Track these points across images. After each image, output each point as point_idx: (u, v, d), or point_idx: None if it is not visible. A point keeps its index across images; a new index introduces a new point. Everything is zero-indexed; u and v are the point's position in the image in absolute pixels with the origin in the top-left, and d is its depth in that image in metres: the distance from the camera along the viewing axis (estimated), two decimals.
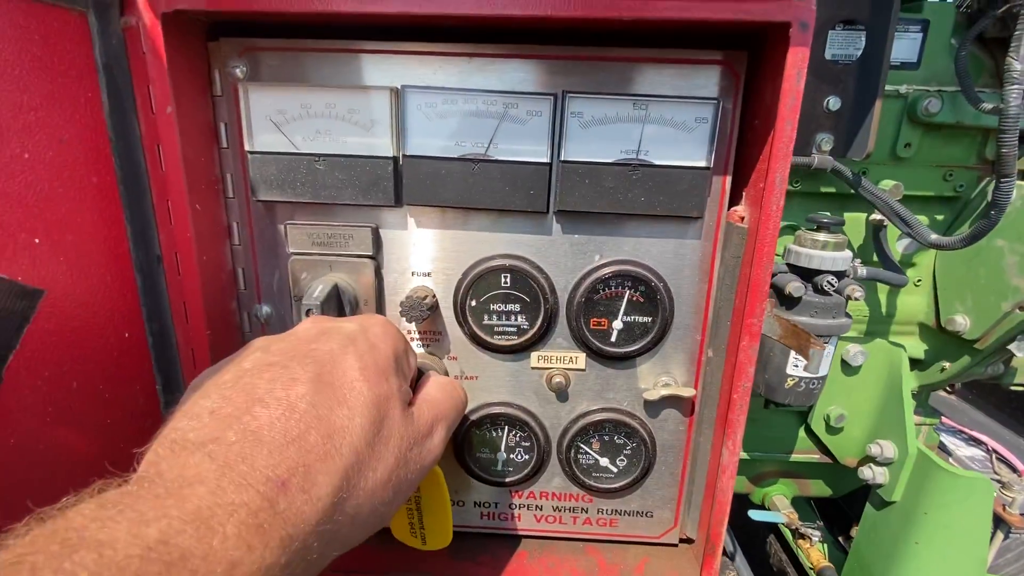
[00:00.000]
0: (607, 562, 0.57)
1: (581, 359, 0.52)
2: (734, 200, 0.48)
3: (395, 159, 0.47)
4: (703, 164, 0.45)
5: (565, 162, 0.46)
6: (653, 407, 0.53)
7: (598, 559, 0.57)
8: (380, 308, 0.52)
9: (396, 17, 0.40)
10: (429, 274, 0.51)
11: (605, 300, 0.50)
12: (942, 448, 1.41)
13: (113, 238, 0.46)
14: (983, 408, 2.52)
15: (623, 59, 0.45)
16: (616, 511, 0.57)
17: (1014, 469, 1.34)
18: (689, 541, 0.57)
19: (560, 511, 0.57)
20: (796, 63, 0.39)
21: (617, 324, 0.51)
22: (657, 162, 0.46)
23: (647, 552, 0.57)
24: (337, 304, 0.50)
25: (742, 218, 0.47)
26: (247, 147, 0.47)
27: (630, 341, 0.51)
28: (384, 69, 0.45)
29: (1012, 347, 0.95)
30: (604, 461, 0.55)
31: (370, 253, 0.50)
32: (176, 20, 0.41)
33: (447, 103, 0.45)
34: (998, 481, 1.29)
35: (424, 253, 0.51)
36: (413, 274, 0.52)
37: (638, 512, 0.57)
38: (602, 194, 0.46)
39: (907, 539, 1.04)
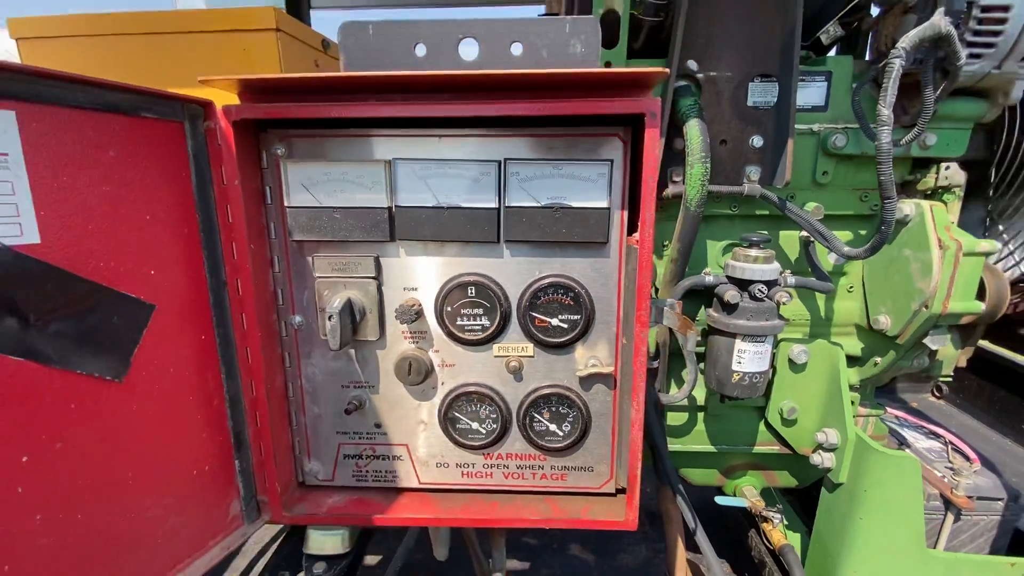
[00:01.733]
0: (559, 507, 0.74)
1: (530, 348, 0.72)
2: (632, 229, 0.68)
3: (389, 208, 0.68)
4: (605, 205, 0.65)
5: (508, 207, 0.67)
6: (586, 382, 0.72)
7: (552, 506, 0.75)
8: (381, 315, 0.72)
9: (389, 117, 0.61)
10: (416, 288, 0.72)
11: (545, 304, 0.70)
12: (903, 442, 1.55)
13: (195, 268, 0.67)
14: (970, 411, 2.65)
15: (548, 135, 0.66)
16: (565, 467, 0.75)
17: (967, 458, 1.47)
18: (624, 491, 0.75)
19: (522, 469, 0.76)
20: (652, 136, 0.59)
21: (555, 321, 0.70)
22: (573, 204, 0.66)
23: (589, 500, 0.75)
24: (350, 312, 0.70)
25: (638, 241, 0.67)
26: (286, 203, 0.68)
27: (565, 333, 0.70)
28: (380, 148, 0.67)
29: (927, 341, 1.12)
30: (553, 427, 0.73)
31: (373, 275, 0.71)
32: (240, 123, 0.63)
33: (424, 169, 0.66)
34: (951, 468, 1.43)
35: (412, 273, 0.71)
36: (404, 289, 0.72)
37: (582, 467, 0.75)
38: (536, 228, 0.67)
39: (853, 516, 1.19)
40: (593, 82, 0.58)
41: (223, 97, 0.65)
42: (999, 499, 1.33)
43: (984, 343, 1.69)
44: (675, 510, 1.25)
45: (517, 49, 0.78)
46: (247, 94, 0.63)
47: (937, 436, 1.59)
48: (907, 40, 0.89)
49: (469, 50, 0.82)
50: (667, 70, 0.59)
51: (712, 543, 1.79)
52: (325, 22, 1.97)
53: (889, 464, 1.14)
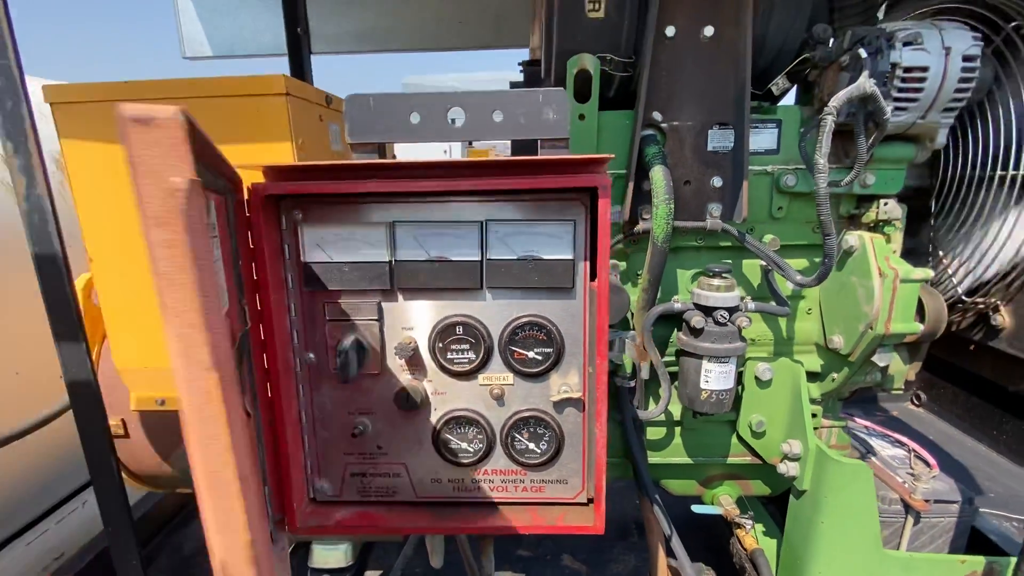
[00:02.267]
0: (539, 516, 0.86)
1: (510, 377, 0.84)
2: (593, 276, 0.80)
3: (390, 262, 0.81)
4: (570, 257, 0.78)
5: (490, 259, 0.80)
6: (559, 406, 0.84)
7: (533, 515, 0.86)
8: (382, 351, 0.85)
9: (389, 191, 0.74)
10: (412, 328, 0.84)
11: (522, 339, 0.82)
12: (870, 450, 1.67)
13: (230, 314, 0.80)
14: (947, 419, 2.78)
15: (522, 201, 0.79)
16: (543, 481, 0.87)
17: (928, 464, 1.59)
18: (593, 500, 0.87)
19: (505, 483, 0.88)
20: (604, 205, 0.72)
21: (531, 354, 0.83)
22: (544, 256, 0.79)
23: (564, 509, 0.87)
24: (357, 349, 0.83)
25: (597, 287, 0.80)
26: (302, 259, 0.81)
27: (540, 364, 0.82)
28: (383, 212, 0.80)
29: (874, 359, 1.25)
30: (531, 445, 0.85)
31: (376, 318, 0.83)
32: (265, 197, 0.76)
33: (419, 229, 0.79)
34: (911, 474, 1.54)
35: (409, 316, 0.84)
36: (403, 328, 0.84)
37: (557, 480, 0.87)
38: (513, 276, 0.79)
39: (816, 521, 1.31)
40: (557, 164, 0.71)
41: (248, 173, 0.78)
42: (955, 502, 1.45)
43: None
44: (655, 519, 1.37)
45: (498, 116, 0.92)
46: (271, 174, 0.76)
47: (902, 444, 1.71)
48: (836, 99, 1.04)
49: (457, 117, 0.96)
50: (611, 156, 0.72)
51: (698, 549, 1.91)
52: (322, 65, 2.12)
53: (844, 471, 1.26)
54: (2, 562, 1.82)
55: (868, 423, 1.81)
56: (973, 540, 1.62)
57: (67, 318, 1.04)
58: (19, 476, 1.92)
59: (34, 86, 1.10)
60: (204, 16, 2.08)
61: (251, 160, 1.01)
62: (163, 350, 1.17)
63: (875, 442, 1.73)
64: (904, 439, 1.71)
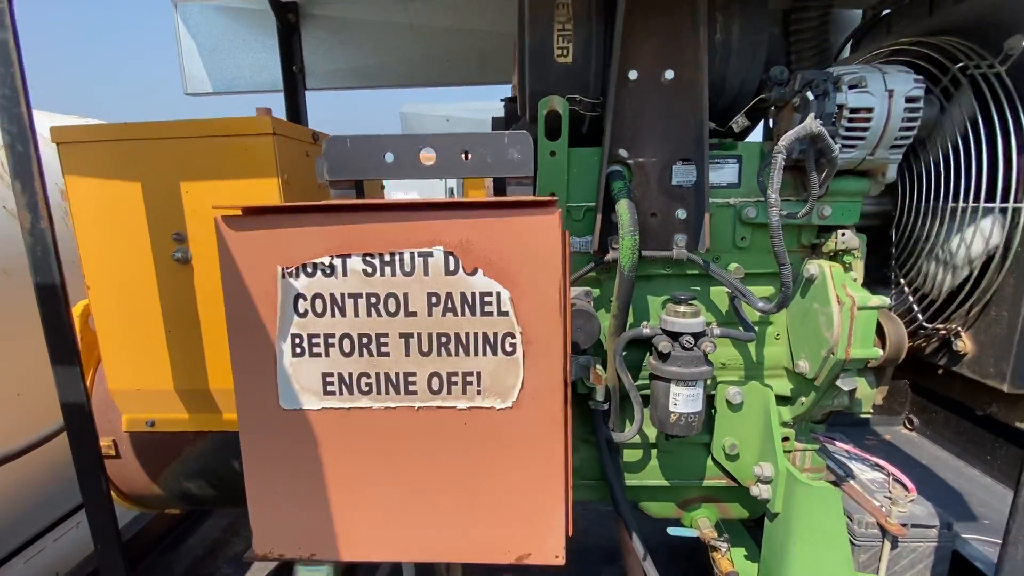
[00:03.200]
0: None
1: None
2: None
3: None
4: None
5: None
6: None
7: None
8: None
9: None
10: None
11: None
12: (848, 473, 1.70)
13: None
14: (939, 443, 2.79)
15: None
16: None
17: (906, 488, 1.62)
18: None
19: None
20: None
21: None
22: None
23: None
24: None
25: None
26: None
27: None
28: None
29: (839, 383, 1.29)
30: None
31: None
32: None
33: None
34: (889, 498, 1.58)
35: None
36: None
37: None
38: None
39: (789, 544, 1.35)
40: (516, 203, 0.78)
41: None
42: (932, 526, 1.48)
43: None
44: (630, 541, 1.40)
45: (468, 154, 1.00)
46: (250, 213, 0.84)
47: (881, 468, 1.74)
48: (785, 139, 1.11)
49: (428, 156, 1.04)
50: (556, 198, 0.79)
51: (682, 570, 1.93)
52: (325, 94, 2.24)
53: (812, 494, 1.30)
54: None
55: (848, 447, 1.84)
56: (957, 567, 1.63)
57: (64, 344, 1.11)
58: (20, 494, 1.97)
59: (42, 122, 1.19)
60: (205, 55, 2.21)
61: (239, 196, 1.10)
62: (154, 373, 1.27)
63: (854, 465, 1.76)
64: (883, 463, 1.74)
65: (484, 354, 0.77)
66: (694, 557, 2.06)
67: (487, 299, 0.76)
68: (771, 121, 1.35)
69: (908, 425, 3.05)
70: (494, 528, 0.80)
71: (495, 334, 0.77)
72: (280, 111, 2.25)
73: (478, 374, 0.78)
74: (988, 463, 2.76)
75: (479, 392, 0.78)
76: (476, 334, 0.77)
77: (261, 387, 0.78)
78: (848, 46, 1.87)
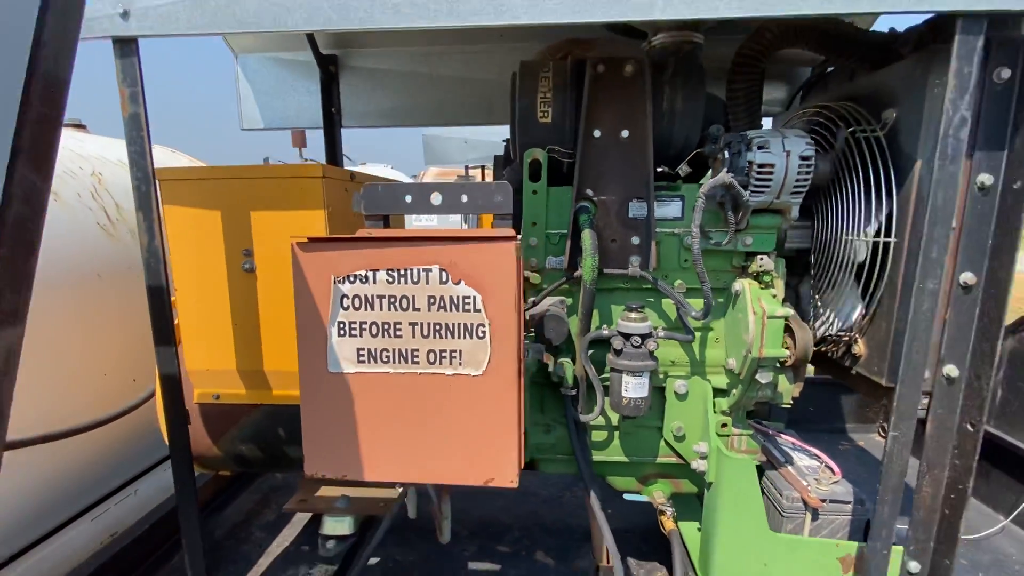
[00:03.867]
0: None
1: None
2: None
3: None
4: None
5: None
6: None
7: None
8: None
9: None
10: None
11: None
12: (788, 460, 2.01)
13: None
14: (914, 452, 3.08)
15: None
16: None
17: (833, 472, 1.92)
18: None
19: None
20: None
21: None
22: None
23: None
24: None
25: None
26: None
27: None
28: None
29: (758, 377, 1.63)
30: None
31: None
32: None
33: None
34: (816, 480, 1.88)
35: None
36: None
37: None
38: None
39: (718, 507, 1.68)
40: (482, 235, 1.15)
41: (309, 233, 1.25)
42: (847, 502, 1.78)
43: None
44: (593, 505, 1.75)
45: (464, 198, 1.39)
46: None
47: (817, 457, 2.05)
48: (706, 187, 1.48)
49: (436, 198, 1.43)
50: (514, 232, 1.17)
51: (653, 537, 2.26)
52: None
53: (733, 464, 1.63)
54: (74, 530, 2.28)
55: (793, 439, 2.15)
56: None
57: (166, 330, 1.52)
58: (85, 466, 2.39)
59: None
60: (259, 97, 2.66)
61: (295, 223, 1.52)
62: (222, 356, 1.78)
63: (795, 454, 2.07)
64: (820, 453, 2.04)
65: (464, 338, 1.14)
66: (647, 521, 2.38)
67: (467, 300, 1.13)
68: (711, 169, 1.71)
69: (882, 433, 3.33)
70: (469, 459, 1.16)
71: (472, 324, 1.14)
72: (319, 143, 2.70)
73: (460, 351, 1.15)
74: None
75: (460, 364, 1.15)
76: (459, 324, 1.14)
77: (316, 357, 1.17)
78: (799, 96, 2.23)
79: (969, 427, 1.50)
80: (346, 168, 1.97)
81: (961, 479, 1.53)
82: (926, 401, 1.53)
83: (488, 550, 2.46)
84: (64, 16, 0.78)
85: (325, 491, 1.96)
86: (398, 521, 2.53)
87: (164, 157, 2.82)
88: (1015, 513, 2.55)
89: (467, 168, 5.94)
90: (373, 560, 2.39)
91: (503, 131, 2.23)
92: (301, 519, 2.62)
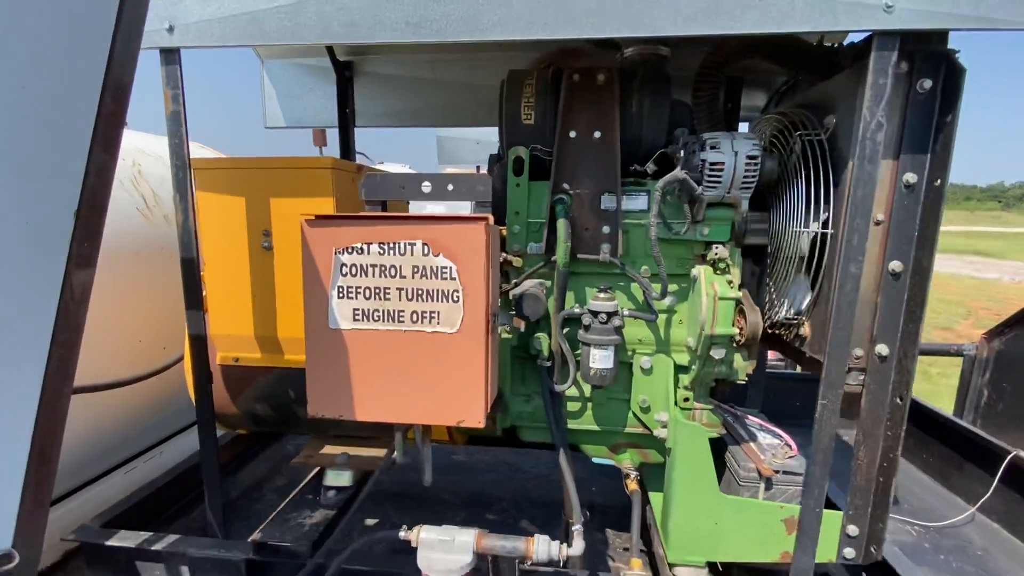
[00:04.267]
0: None
1: None
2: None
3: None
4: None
5: None
6: None
7: None
8: None
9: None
10: None
11: None
12: (752, 437, 2.19)
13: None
14: None
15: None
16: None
17: (789, 447, 2.10)
18: None
19: None
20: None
21: None
22: None
23: None
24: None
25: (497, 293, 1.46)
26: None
27: None
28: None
29: (712, 353, 1.83)
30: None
31: None
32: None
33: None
34: (774, 455, 2.07)
35: None
36: None
37: None
38: None
39: (675, 469, 1.88)
40: (461, 218, 1.38)
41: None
42: (799, 474, 1.96)
43: None
44: (564, 466, 1.96)
45: (451, 187, 1.63)
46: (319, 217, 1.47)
47: (780, 436, 2.23)
48: (661, 182, 1.69)
49: (427, 187, 1.67)
50: (487, 215, 1.39)
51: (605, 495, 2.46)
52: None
53: (688, 430, 1.83)
54: (107, 482, 2.58)
55: (759, 420, 2.34)
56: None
57: (196, 297, 1.79)
58: (119, 425, 2.68)
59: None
60: (281, 99, 2.95)
61: (308, 208, 1.78)
62: (242, 323, 2.11)
63: (760, 433, 2.25)
64: (782, 432, 2.23)
65: (442, 301, 1.37)
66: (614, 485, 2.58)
67: (444, 270, 1.36)
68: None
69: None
70: (444, 403, 1.39)
71: (448, 290, 1.37)
72: (336, 141, 2.97)
73: (438, 312, 1.38)
74: (924, 461, 3.17)
75: (438, 323, 1.38)
76: (438, 290, 1.37)
77: (319, 315, 1.42)
78: (773, 102, 2.42)
79: (898, 400, 1.68)
80: (362, 164, 2.22)
81: (892, 447, 1.71)
82: (862, 377, 1.72)
83: (477, 517, 2.68)
84: (130, 34, 1.03)
85: (328, 449, 2.21)
86: (395, 487, 2.78)
87: (194, 151, 3.12)
88: (980, 502, 2.68)
89: (478, 168, 6.20)
90: (370, 521, 2.64)
91: None
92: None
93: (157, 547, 1.82)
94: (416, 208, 2.63)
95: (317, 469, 2.31)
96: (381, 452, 2.12)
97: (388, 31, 1.52)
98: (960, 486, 2.90)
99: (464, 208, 6.32)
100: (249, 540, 1.81)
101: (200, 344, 1.80)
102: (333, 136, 3.13)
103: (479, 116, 2.87)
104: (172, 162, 1.72)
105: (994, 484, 2.61)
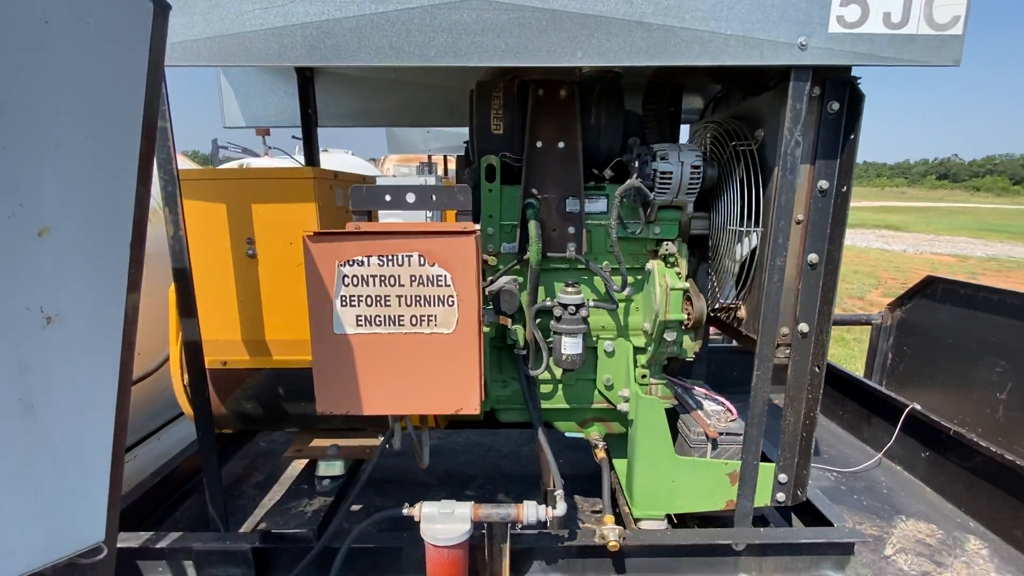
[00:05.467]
0: None
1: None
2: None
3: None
4: None
5: None
6: None
7: None
8: None
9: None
10: None
11: None
12: (699, 405, 2.53)
13: None
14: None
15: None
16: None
17: (731, 412, 2.45)
18: None
19: None
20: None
21: None
22: None
23: None
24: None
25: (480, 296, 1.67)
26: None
27: None
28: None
29: (665, 336, 2.13)
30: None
31: None
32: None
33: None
34: (718, 420, 2.41)
35: None
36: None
37: None
38: None
39: (638, 439, 2.17)
40: (451, 230, 1.58)
41: (302, 223, 1.63)
42: (739, 434, 2.32)
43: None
44: (541, 441, 2.22)
45: (433, 197, 1.81)
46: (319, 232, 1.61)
47: (722, 404, 2.59)
48: (620, 189, 1.95)
49: (411, 197, 1.84)
50: (475, 226, 1.60)
51: (596, 478, 2.74)
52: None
53: (646, 403, 2.13)
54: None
55: (705, 391, 2.69)
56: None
57: (189, 304, 1.88)
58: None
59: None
60: (240, 98, 2.96)
61: (290, 215, 1.91)
62: (229, 328, 2.28)
63: (705, 402, 2.60)
64: (724, 400, 2.58)
65: (438, 306, 1.57)
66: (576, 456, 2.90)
67: (439, 278, 1.56)
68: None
69: None
70: (443, 394, 1.60)
71: (444, 295, 1.57)
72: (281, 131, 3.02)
73: (435, 316, 1.58)
74: (839, 417, 3.67)
75: (436, 325, 1.58)
76: (434, 295, 1.56)
77: (325, 322, 1.58)
78: (710, 107, 2.72)
79: (816, 369, 2.04)
80: (337, 171, 2.34)
81: (812, 408, 2.08)
82: (787, 351, 2.07)
83: (457, 494, 2.92)
84: (156, 73, 1.15)
85: (317, 442, 2.36)
86: (376, 473, 2.95)
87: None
88: (885, 449, 3.19)
89: (430, 156, 6.25)
90: (355, 507, 2.81)
91: (462, 127, 2.64)
92: (288, 479, 3.00)
93: (161, 545, 1.94)
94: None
95: (298, 462, 2.45)
96: (367, 441, 2.30)
97: (373, 55, 1.67)
98: (869, 436, 3.43)
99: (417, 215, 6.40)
100: (254, 529, 1.95)
101: (195, 350, 1.91)
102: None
103: (439, 116, 3.02)
104: (160, 176, 1.79)
105: (896, 433, 3.13)
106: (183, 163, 3.07)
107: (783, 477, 2.16)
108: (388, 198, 1.80)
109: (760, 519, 2.46)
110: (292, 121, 3.01)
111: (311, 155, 3.06)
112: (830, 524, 2.17)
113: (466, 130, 2.57)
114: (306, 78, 2.90)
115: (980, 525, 2.59)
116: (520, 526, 1.82)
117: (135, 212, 1.10)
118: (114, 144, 1.01)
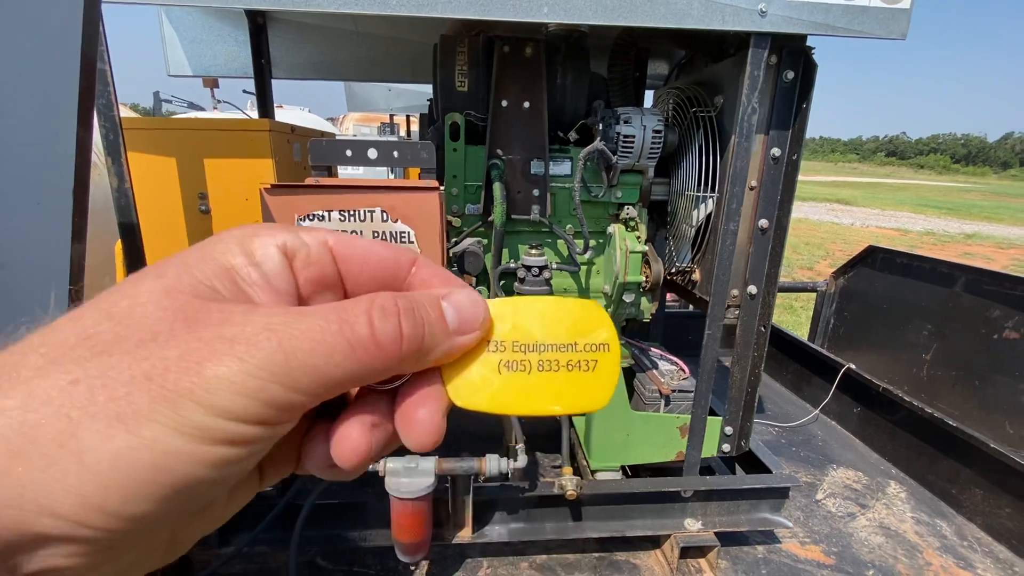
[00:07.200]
0: None
1: None
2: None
3: None
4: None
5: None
6: None
7: None
8: None
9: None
10: None
11: None
12: (654, 365, 2.65)
13: None
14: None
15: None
16: None
17: (683, 371, 2.58)
18: None
19: None
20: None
21: None
22: None
23: None
24: None
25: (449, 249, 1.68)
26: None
27: None
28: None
29: (624, 297, 2.20)
30: None
31: None
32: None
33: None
34: (672, 378, 2.53)
35: None
36: None
37: None
38: None
39: None
40: (414, 186, 1.57)
41: (258, 178, 1.59)
42: (690, 391, 2.45)
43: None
44: None
45: (396, 153, 1.78)
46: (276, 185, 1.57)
47: (676, 363, 2.71)
48: (584, 152, 1.97)
49: (372, 153, 1.81)
50: (438, 183, 1.59)
51: (555, 437, 2.84)
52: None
53: None
54: None
55: (660, 351, 2.81)
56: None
57: (138, 261, 1.81)
58: None
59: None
60: (185, 44, 2.78)
61: (246, 170, 1.85)
62: None
63: (660, 362, 2.73)
64: (678, 360, 2.71)
65: None
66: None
67: (403, 234, 1.56)
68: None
69: None
70: None
71: None
72: (231, 83, 2.89)
73: None
74: (783, 377, 3.89)
75: None
76: None
77: None
78: (674, 73, 2.75)
79: (762, 328, 2.17)
80: (294, 125, 2.25)
81: (757, 365, 2.21)
82: (737, 312, 2.18)
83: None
84: (92, 6, 1.08)
85: None
86: None
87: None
88: (821, 405, 3.43)
89: (392, 116, 6.03)
90: None
91: (425, 84, 2.58)
92: None
93: None
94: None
95: None
96: None
97: (328, 0, 1.60)
98: (808, 395, 3.67)
99: (379, 171, 6.23)
100: None
101: None
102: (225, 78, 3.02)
103: (403, 72, 2.93)
104: (101, 123, 1.69)
105: (831, 391, 3.37)
106: (125, 114, 2.89)
107: (729, 430, 2.31)
108: (349, 153, 1.76)
109: (707, 469, 2.63)
110: (244, 71, 2.86)
111: (265, 108, 2.93)
112: (769, 472, 2.34)
113: (429, 89, 2.51)
114: (258, 24, 2.75)
115: (901, 472, 2.86)
116: (483, 478, 1.89)
117: (76, 157, 1.05)
118: (50, 82, 0.96)
